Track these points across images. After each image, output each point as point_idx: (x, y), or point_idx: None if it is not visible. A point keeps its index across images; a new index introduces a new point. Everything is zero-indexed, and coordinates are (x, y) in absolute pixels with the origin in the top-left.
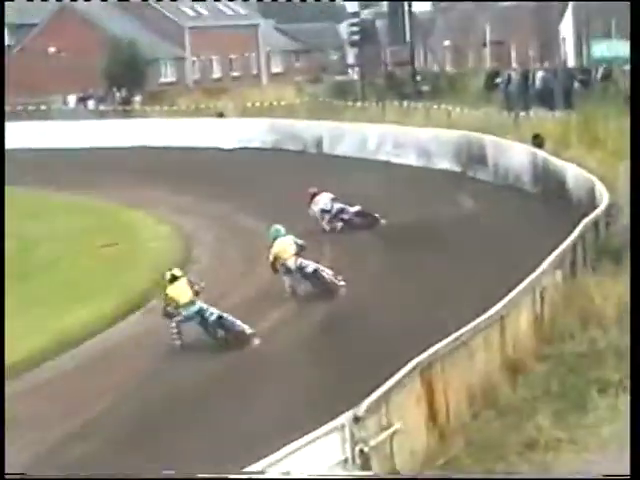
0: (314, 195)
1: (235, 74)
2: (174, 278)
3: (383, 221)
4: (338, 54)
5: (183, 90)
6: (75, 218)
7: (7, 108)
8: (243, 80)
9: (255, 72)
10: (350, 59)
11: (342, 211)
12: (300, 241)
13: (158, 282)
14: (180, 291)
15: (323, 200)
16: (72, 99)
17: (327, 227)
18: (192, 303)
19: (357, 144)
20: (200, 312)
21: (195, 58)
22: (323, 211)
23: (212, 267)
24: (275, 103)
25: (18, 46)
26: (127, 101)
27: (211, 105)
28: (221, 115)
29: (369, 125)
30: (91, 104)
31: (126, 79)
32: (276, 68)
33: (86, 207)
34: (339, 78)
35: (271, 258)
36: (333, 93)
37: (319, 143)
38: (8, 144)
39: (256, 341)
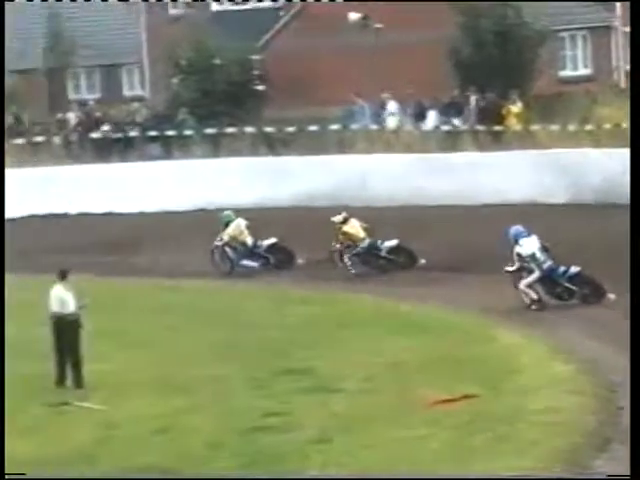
0: None
1: None
2: (346, 220)
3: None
4: None
5: (611, 92)
6: (389, 341)
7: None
8: None
9: None
10: None
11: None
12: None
13: None
14: (357, 229)
15: None
16: (392, 107)
17: None
18: (364, 239)
19: None
20: (371, 246)
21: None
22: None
23: None
24: None
25: (291, 8)
26: (489, 112)
27: None
28: None
29: None
30: (431, 118)
31: (496, 71)
32: None
33: (412, 319)
34: None
35: (226, 239)
36: None
37: None
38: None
39: None
